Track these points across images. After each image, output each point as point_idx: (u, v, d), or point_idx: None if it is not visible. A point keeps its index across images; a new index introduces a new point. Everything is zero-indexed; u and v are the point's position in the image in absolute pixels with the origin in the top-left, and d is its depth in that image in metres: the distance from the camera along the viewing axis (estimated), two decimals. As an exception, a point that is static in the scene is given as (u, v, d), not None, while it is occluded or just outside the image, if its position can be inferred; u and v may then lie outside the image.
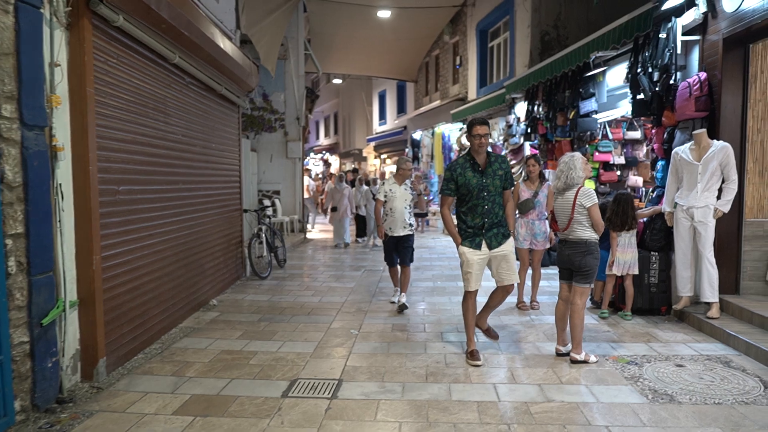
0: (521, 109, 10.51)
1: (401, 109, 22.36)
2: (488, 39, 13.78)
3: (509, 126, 11.15)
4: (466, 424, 3.35)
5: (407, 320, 5.79)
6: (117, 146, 4.41)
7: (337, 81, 27.05)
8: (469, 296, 4.56)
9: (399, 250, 6.40)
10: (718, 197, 5.23)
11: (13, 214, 3.29)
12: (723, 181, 5.22)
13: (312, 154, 33.48)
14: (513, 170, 9.97)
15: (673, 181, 5.53)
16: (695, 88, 5.53)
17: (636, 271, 5.68)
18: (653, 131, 6.54)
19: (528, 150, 10.42)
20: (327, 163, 32.78)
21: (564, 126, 8.46)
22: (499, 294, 4.63)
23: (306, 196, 14.84)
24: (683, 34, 5.86)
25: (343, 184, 11.86)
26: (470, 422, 3.39)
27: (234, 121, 8.00)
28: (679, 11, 5.78)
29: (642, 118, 7.21)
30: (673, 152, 5.53)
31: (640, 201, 6.97)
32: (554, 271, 7.27)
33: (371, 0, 14.47)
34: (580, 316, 4.34)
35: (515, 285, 4.58)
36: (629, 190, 7.90)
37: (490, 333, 4.89)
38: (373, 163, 26.85)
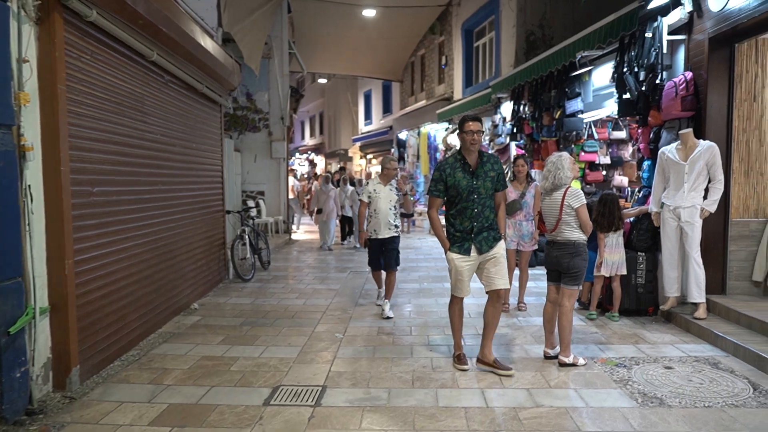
0: (507, 109, 10.48)
1: (387, 109, 22.27)
2: (474, 39, 13.75)
3: (495, 126, 11.11)
4: (454, 432, 3.26)
5: (393, 323, 5.69)
6: (91, 146, 4.24)
7: (322, 81, 26.88)
8: (456, 301, 4.41)
9: (384, 253, 6.14)
10: (705, 197, 5.21)
11: (-23, 217, 3.12)
12: (709, 181, 5.20)
13: (297, 155, 33.26)
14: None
15: (660, 181, 5.50)
16: (681, 87, 5.50)
17: (624, 272, 5.64)
18: (639, 131, 6.53)
19: (514, 150, 10.39)
20: (312, 164, 32.59)
21: (550, 126, 8.43)
22: (491, 306, 4.25)
23: (291, 196, 14.68)
24: (669, 33, 5.84)
25: (329, 185, 11.68)
26: (458, 429, 3.29)
27: (216, 120, 7.84)
28: (664, 10, 5.75)
29: (628, 117, 7.19)
30: (659, 152, 5.50)
31: (626, 201, 6.96)
32: (541, 271, 7.22)
33: (356, -1, 14.38)
34: (569, 319, 4.28)
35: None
36: (615, 190, 7.90)
37: (498, 366, 4.14)
38: (359, 164, 26.73)
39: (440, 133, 14.86)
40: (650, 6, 5.80)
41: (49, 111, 3.70)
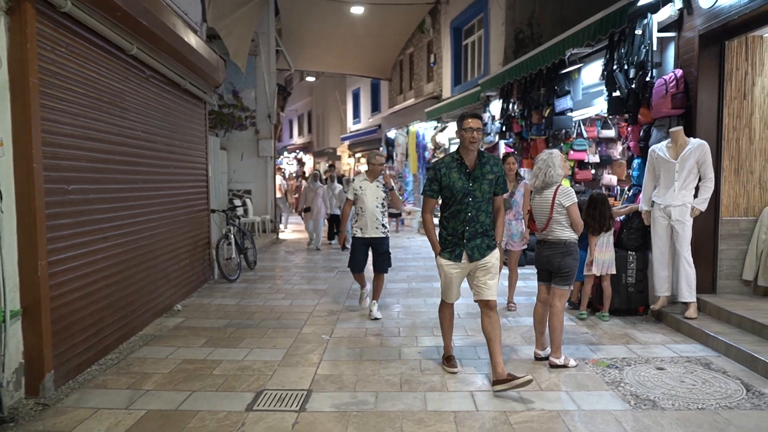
0: (496, 107, 10.41)
1: (375, 108, 22.15)
2: (462, 37, 13.67)
3: (484, 124, 11.04)
4: (443, 437, 3.16)
5: (381, 324, 5.57)
6: (67, 142, 4.08)
7: (310, 79, 26.69)
8: (446, 305, 4.25)
9: (373, 257, 5.83)
10: (695, 196, 5.16)
11: (-59, 216, 2.96)
12: (700, 180, 5.15)
13: (286, 153, 33.03)
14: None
15: (650, 180, 5.45)
16: (671, 85, 5.45)
17: (614, 271, 5.58)
18: (629, 129, 6.48)
19: (503, 149, 10.33)
20: (301, 163, 32.36)
21: (539, 124, 8.38)
22: (485, 317, 3.92)
23: (278, 195, 14.50)
24: (659, 30, 5.79)
25: (317, 183, 11.50)
26: (447, 435, 3.20)
27: (200, 117, 7.67)
28: (654, 7, 5.69)
29: (617, 116, 7.15)
30: (650, 150, 5.45)
31: (616, 200, 6.91)
32: (531, 270, 7.16)
33: (344, -4, 14.24)
34: (560, 319, 4.20)
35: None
36: (603, 189, 7.86)
37: (515, 378, 3.65)
38: (347, 162, 26.58)
39: (429, 132, 14.78)
40: (640, 3, 5.74)
41: (21, 105, 3.54)
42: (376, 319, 5.73)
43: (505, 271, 6.19)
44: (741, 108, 5.44)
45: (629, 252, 5.74)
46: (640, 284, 5.72)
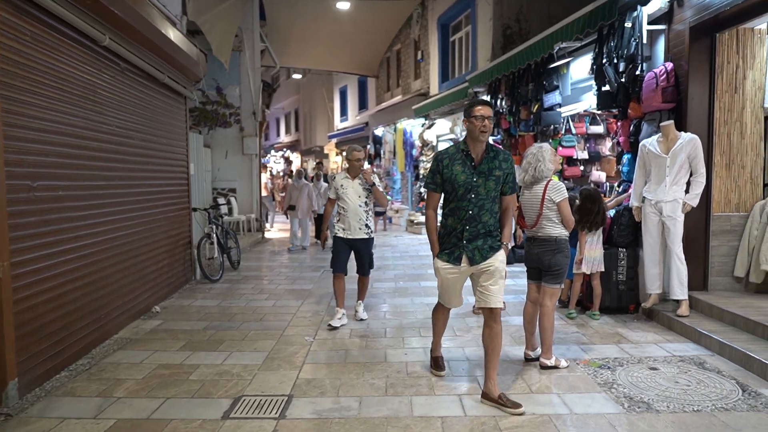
0: (484, 103, 10.26)
1: (363, 105, 21.95)
2: (450, 33, 13.53)
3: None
4: (429, 445, 3.00)
5: (367, 325, 5.41)
6: (32, 136, 3.86)
7: (297, 76, 26.39)
8: (441, 309, 3.96)
9: (356, 259, 5.55)
10: (687, 191, 5.06)
11: None
12: (691, 175, 5.05)
13: (273, 152, 32.71)
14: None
15: (641, 175, 5.34)
16: (662, 78, 5.34)
17: (603, 268, 5.46)
18: (619, 124, 6.37)
19: (491, 145, 10.18)
20: (288, 161, 32.06)
21: (527, 120, 8.25)
22: (487, 327, 3.55)
23: (264, 194, 14.27)
24: (648, 23, 5.67)
25: (302, 180, 11.26)
26: (434, 442, 3.04)
27: (180, 113, 7.44)
28: (644, 0, 5.58)
29: (606, 111, 7.04)
30: (640, 145, 5.34)
31: (605, 196, 6.81)
32: (519, 268, 7.02)
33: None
34: (550, 319, 4.06)
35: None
36: (592, 185, 7.76)
37: (504, 403, 3.41)
38: (335, 161, 26.35)
39: (417, 129, 14.62)
40: (630, -6, 5.62)
41: (-21, 96, 3.32)
42: (361, 320, 5.56)
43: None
44: (732, 102, 5.35)
45: (620, 249, 5.63)
46: (631, 282, 5.61)
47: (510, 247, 3.70)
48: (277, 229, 15.31)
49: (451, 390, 3.75)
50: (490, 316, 3.54)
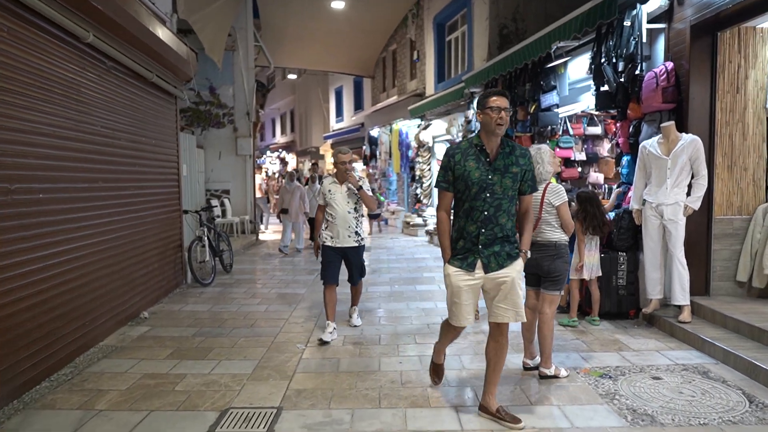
0: (480, 104, 10.14)
1: (358, 106, 21.81)
2: (446, 33, 13.40)
3: (468, 121, 10.77)
4: (424, 461, 2.86)
5: (361, 331, 5.26)
6: (9, 137, 3.70)
7: (292, 77, 26.25)
8: (452, 327, 3.46)
9: (347, 268, 5.31)
10: (688, 194, 4.93)
11: None
12: (692, 177, 4.93)
13: (269, 153, 32.51)
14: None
15: (641, 177, 5.21)
16: (662, 78, 5.22)
17: (600, 273, 5.33)
18: (618, 125, 6.24)
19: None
20: (284, 162, 31.87)
21: (524, 121, 8.13)
22: (493, 341, 3.31)
23: (258, 195, 14.10)
24: (648, 21, 5.55)
25: (293, 183, 11.03)
26: (429, 458, 2.89)
27: (170, 113, 7.28)
28: (644, -3, 5.46)
29: (605, 112, 6.91)
30: (640, 146, 5.21)
31: (604, 198, 6.69)
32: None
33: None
34: (550, 327, 3.92)
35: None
36: (590, 187, 7.64)
37: (502, 417, 3.25)
38: (331, 162, 26.20)
39: (412, 130, 14.49)
40: (629, -8, 5.50)
41: (-49, 95, 3.16)
42: (355, 326, 5.41)
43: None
44: (734, 102, 5.23)
45: (619, 253, 5.50)
46: (631, 286, 5.48)
47: (528, 257, 3.44)
48: (271, 231, 15.14)
49: (447, 401, 3.60)
50: (498, 329, 3.30)
